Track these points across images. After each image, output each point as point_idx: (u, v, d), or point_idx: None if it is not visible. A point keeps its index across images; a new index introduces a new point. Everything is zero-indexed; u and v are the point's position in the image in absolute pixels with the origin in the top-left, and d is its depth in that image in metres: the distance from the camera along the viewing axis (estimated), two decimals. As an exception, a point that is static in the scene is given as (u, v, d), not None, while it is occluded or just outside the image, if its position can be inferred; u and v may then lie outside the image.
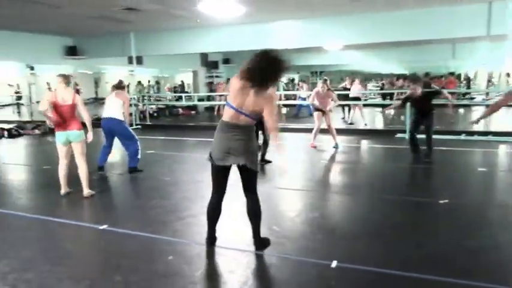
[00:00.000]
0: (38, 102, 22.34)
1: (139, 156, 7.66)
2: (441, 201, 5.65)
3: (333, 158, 9.17)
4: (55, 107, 5.98)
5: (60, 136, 6.05)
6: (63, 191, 6.21)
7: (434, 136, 8.36)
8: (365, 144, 11.17)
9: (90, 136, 6.14)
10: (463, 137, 10.85)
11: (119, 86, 7.93)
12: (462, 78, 28.14)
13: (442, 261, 3.92)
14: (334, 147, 9.90)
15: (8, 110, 23.06)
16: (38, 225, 5.14)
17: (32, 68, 18.45)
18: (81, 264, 3.93)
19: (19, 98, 21.16)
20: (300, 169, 8.14)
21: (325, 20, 12.37)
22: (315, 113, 10.05)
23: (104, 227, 4.86)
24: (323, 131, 10.05)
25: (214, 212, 4.08)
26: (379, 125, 15.59)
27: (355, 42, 13.82)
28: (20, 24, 12.63)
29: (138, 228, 4.80)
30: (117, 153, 8.72)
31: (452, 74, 21.39)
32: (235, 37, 13.61)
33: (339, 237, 4.64)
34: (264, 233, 4.20)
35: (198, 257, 4.07)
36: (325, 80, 10.01)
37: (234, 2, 9.94)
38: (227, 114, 3.82)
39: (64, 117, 6.01)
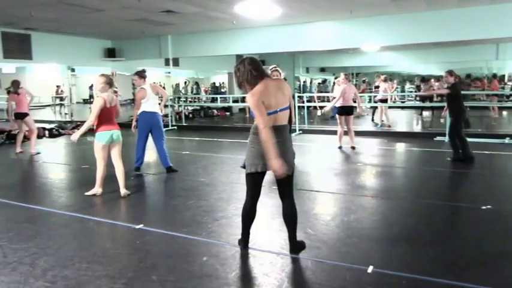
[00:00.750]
0: (78, 102, 23.01)
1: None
2: (483, 207, 5.48)
3: (369, 161, 9.05)
4: (104, 109, 6.07)
5: (105, 135, 6.09)
6: (100, 190, 6.30)
7: (476, 140, 8.15)
8: (402, 147, 10.98)
9: None
10: (507, 140, 10.57)
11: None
12: (506, 80, 27.32)
13: (484, 269, 3.80)
14: (352, 147, 9.93)
15: (49, 110, 23.66)
16: (76, 223, 5.24)
17: (72, 70, 18.93)
18: (118, 263, 3.97)
19: (61, 98, 21.70)
20: (335, 172, 8.07)
21: (363, 21, 12.24)
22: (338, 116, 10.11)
23: (140, 226, 4.92)
24: (359, 134, 9.94)
25: (248, 217, 4.04)
26: (418, 127, 15.28)
27: (394, 43, 13.61)
28: (62, 27, 12.99)
29: (174, 228, 4.84)
30: (151, 153, 8.83)
31: (495, 76, 20.78)
32: (271, 39, 13.62)
33: (375, 241, 4.56)
34: (299, 236, 4.15)
35: (233, 259, 4.06)
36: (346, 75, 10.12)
37: (270, 4, 9.93)
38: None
39: (110, 117, 6.13)
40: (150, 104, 7.66)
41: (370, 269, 3.76)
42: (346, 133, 10.01)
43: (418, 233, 4.78)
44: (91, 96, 24.19)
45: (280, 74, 7.99)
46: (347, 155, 9.51)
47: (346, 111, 9.93)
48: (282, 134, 3.74)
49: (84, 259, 4.05)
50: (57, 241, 4.56)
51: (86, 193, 6.30)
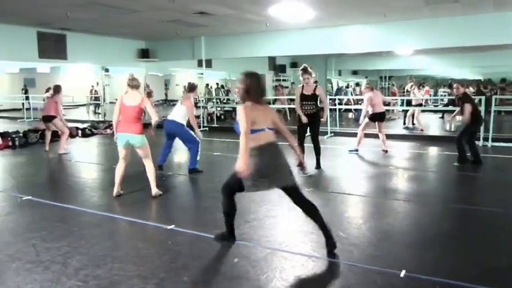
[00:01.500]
0: (111, 102, 23.35)
1: (198, 158, 7.79)
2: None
3: (401, 165, 8.91)
4: (121, 108, 6.10)
5: (121, 138, 6.12)
6: (115, 191, 6.29)
7: (505, 144, 8.00)
8: (435, 151, 10.80)
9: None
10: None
11: (190, 88, 8.12)
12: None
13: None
14: (383, 150, 9.82)
15: (82, 110, 24.04)
16: (109, 223, 5.29)
17: (106, 70, 19.19)
18: (150, 263, 3.98)
19: (95, 98, 22.03)
20: (367, 175, 7.98)
21: (397, 24, 12.09)
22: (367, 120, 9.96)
23: (171, 227, 4.92)
24: (390, 137, 9.79)
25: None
26: (451, 132, 14.94)
27: (428, 47, 13.44)
28: (97, 27, 13.18)
29: (206, 229, 4.82)
30: (184, 154, 8.86)
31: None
32: (304, 41, 13.57)
33: (408, 246, 4.47)
34: (332, 239, 4.11)
35: (264, 261, 4.02)
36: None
37: (304, 6, 9.88)
38: (257, 139, 3.93)
39: (127, 117, 6.07)
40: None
41: (402, 273, 3.69)
42: (389, 137, 9.90)
43: (451, 238, 4.68)
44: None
45: (311, 75, 7.91)
46: (379, 158, 9.39)
47: (378, 117, 9.85)
48: (272, 149, 4.03)
49: (117, 259, 4.08)
50: (89, 240, 4.60)
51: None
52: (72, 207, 5.84)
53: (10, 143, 11.13)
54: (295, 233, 4.75)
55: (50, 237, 4.67)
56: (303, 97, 7.90)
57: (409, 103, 15.23)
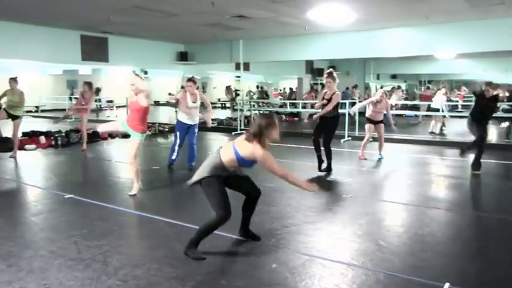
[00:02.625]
0: (150, 104, 23.70)
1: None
2: None
3: (442, 172, 8.69)
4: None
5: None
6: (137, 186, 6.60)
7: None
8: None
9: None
10: None
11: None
12: None
13: None
14: (379, 158, 9.52)
15: (123, 111, 24.41)
16: (147, 223, 5.33)
17: (145, 73, 19.50)
18: (187, 265, 3.97)
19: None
20: (407, 182, 7.76)
21: (439, 27, 11.76)
22: (367, 125, 9.65)
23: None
24: (433, 143, 9.54)
25: None
26: (496, 138, 14.45)
27: (471, 51, 12.99)
28: (138, 31, 13.38)
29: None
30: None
31: None
32: (342, 45, 13.41)
33: (450, 257, 4.34)
34: (371, 247, 4.03)
35: (302, 267, 3.97)
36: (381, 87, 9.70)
37: (345, 9, 9.77)
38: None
39: (131, 113, 6.65)
40: None
41: (446, 286, 3.57)
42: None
43: (496, 250, 4.52)
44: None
45: (334, 80, 7.94)
46: (419, 165, 9.17)
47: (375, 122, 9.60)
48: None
49: (155, 260, 4.10)
50: (128, 240, 4.65)
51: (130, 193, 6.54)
52: (112, 207, 5.93)
53: (53, 142, 11.52)
54: (334, 240, 4.68)
55: (91, 235, 4.75)
56: (323, 100, 8.12)
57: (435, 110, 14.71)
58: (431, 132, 14.29)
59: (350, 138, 12.89)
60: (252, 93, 25.44)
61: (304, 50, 14.26)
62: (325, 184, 7.19)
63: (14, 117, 9.64)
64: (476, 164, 8.08)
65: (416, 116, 19.11)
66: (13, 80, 9.70)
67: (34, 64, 19.40)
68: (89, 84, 11.37)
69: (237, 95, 26.74)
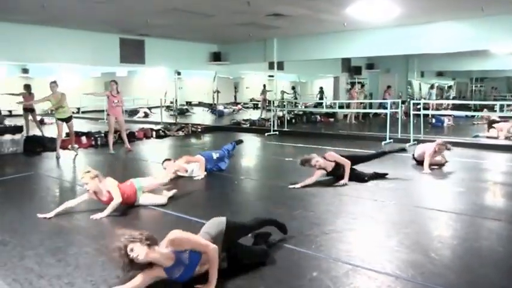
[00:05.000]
0: (181, 105, 23.83)
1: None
2: None
3: (499, 179, 7.97)
4: None
5: None
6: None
7: None
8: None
9: None
10: None
11: None
12: None
13: None
14: None
15: (156, 112, 24.56)
16: (185, 224, 5.10)
17: (178, 73, 19.59)
18: (226, 270, 3.77)
19: (171, 101, 22.52)
20: (459, 189, 7.02)
21: (495, 19, 10.79)
22: None
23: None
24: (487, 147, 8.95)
25: None
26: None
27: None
28: (173, 32, 13.44)
29: (282, 238, 4.57)
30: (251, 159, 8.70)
31: None
32: (384, 41, 12.85)
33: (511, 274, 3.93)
34: (421, 259, 3.74)
35: (346, 277, 3.71)
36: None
37: (387, 4, 9.39)
38: None
39: None
40: None
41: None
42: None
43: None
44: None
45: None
46: (474, 171, 8.54)
47: None
48: None
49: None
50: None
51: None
52: (150, 207, 5.90)
53: (93, 142, 11.91)
54: (378, 248, 4.37)
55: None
56: None
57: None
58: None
59: (392, 140, 12.28)
60: (285, 93, 25.02)
61: (342, 47, 13.87)
62: (365, 189, 6.80)
63: (66, 120, 10.14)
64: None
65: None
66: (54, 84, 9.97)
67: (76, 67, 19.95)
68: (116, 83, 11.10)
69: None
